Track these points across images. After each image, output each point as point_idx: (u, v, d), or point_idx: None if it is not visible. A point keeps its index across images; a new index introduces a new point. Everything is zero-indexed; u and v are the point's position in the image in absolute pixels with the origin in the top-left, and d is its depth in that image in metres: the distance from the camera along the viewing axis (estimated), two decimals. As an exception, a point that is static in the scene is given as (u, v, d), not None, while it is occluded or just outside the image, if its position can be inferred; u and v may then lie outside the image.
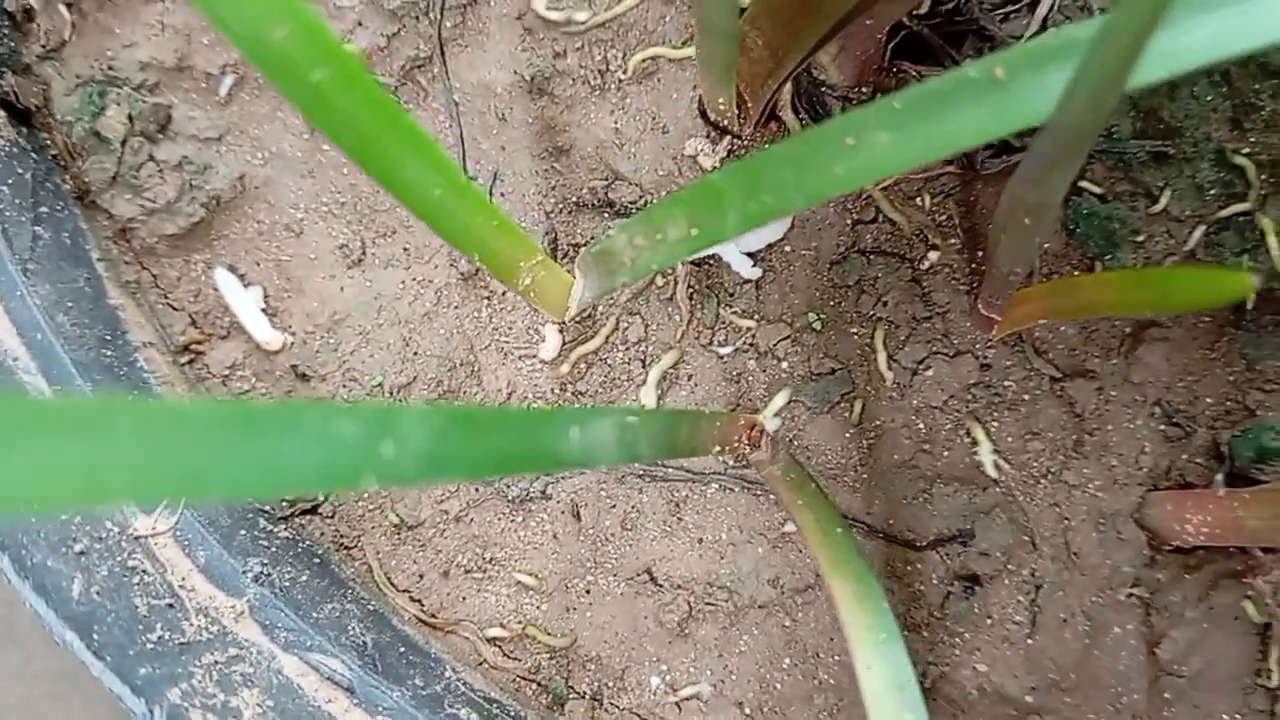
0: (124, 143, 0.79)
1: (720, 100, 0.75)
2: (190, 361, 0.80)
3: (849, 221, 0.78)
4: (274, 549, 0.70)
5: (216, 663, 0.63)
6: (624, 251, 0.59)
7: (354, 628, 0.68)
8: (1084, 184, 0.74)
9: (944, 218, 0.76)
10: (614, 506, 0.77)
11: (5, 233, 0.70)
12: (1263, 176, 0.74)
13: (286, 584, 0.67)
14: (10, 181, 0.73)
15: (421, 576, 0.78)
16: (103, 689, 0.63)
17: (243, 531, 0.69)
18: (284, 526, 0.73)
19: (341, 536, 0.78)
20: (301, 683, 0.64)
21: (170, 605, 0.64)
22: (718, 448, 0.72)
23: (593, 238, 0.79)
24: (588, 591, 0.77)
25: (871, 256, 0.77)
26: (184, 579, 0.65)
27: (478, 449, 0.37)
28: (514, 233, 0.64)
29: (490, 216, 0.60)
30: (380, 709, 0.64)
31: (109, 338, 0.72)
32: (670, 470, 0.77)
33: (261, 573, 0.67)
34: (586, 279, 0.69)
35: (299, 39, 0.45)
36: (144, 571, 0.65)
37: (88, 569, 0.63)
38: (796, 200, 0.49)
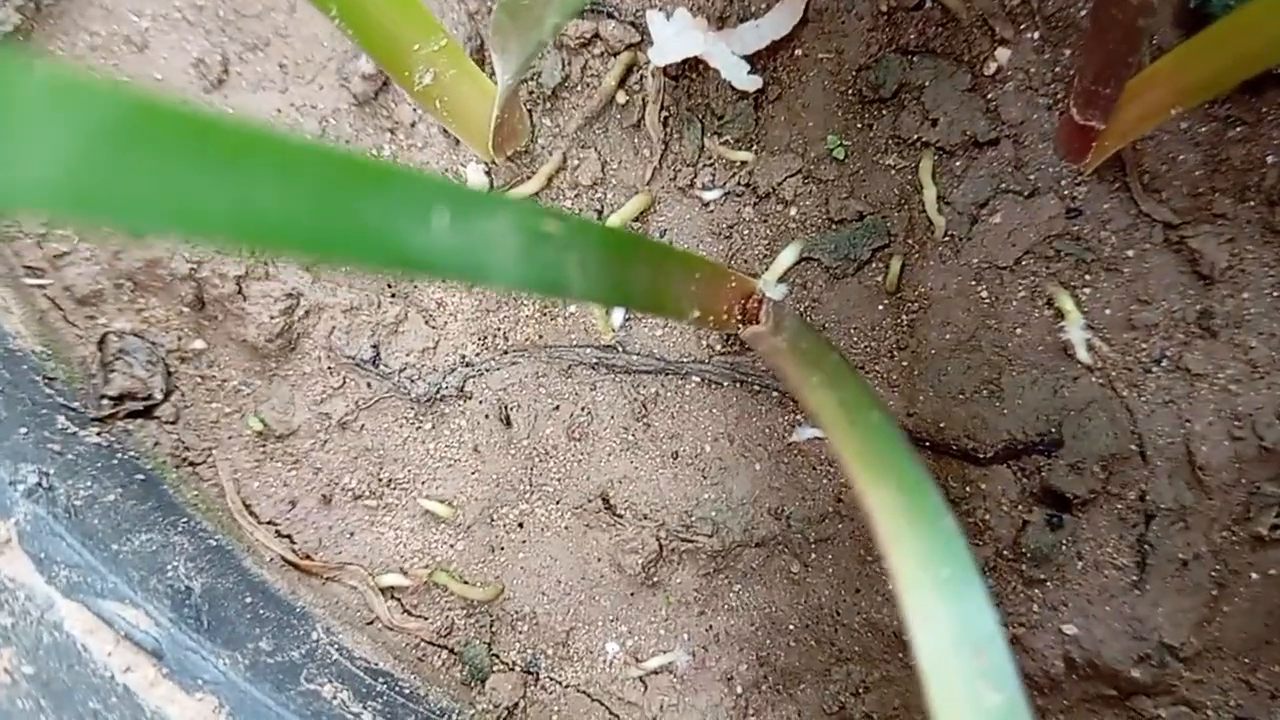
0: None
1: None
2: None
3: (884, 9, 0.57)
4: (70, 457, 0.50)
5: None
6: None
7: (175, 568, 0.48)
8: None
9: (1017, 2, 0.55)
10: (557, 408, 0.56)
11: None
12: None
13: (79, 504, 0.47)
14: None
15: (293, 504, 0.58)
16: None
17: (23, 430, 0.48)
18: (95, 430, 0.53)
19: (185, 448, 0.58)
20: (88, 641, 0.43)
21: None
22: (697, 313, 0.51)
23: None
24: (520, 525, 0.57)
25: (915, 58, 0.61)
26: None
27: (235, 193, 0.24)
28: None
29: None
30: (200, 682, 0.44)
31: None
32: (634, 358, 0.56)
33: (40, 486, 0.46)
34: (505, 47, 0.48)
35: None
36: None
37: None
38: None
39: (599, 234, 0.48)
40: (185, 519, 0.55)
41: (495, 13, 0.50)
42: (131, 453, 0.58)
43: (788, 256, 0.60)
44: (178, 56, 0.67)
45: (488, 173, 0.64)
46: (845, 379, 0.50)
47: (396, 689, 0.54)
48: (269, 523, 0.61)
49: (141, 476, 0.56)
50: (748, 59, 0.63)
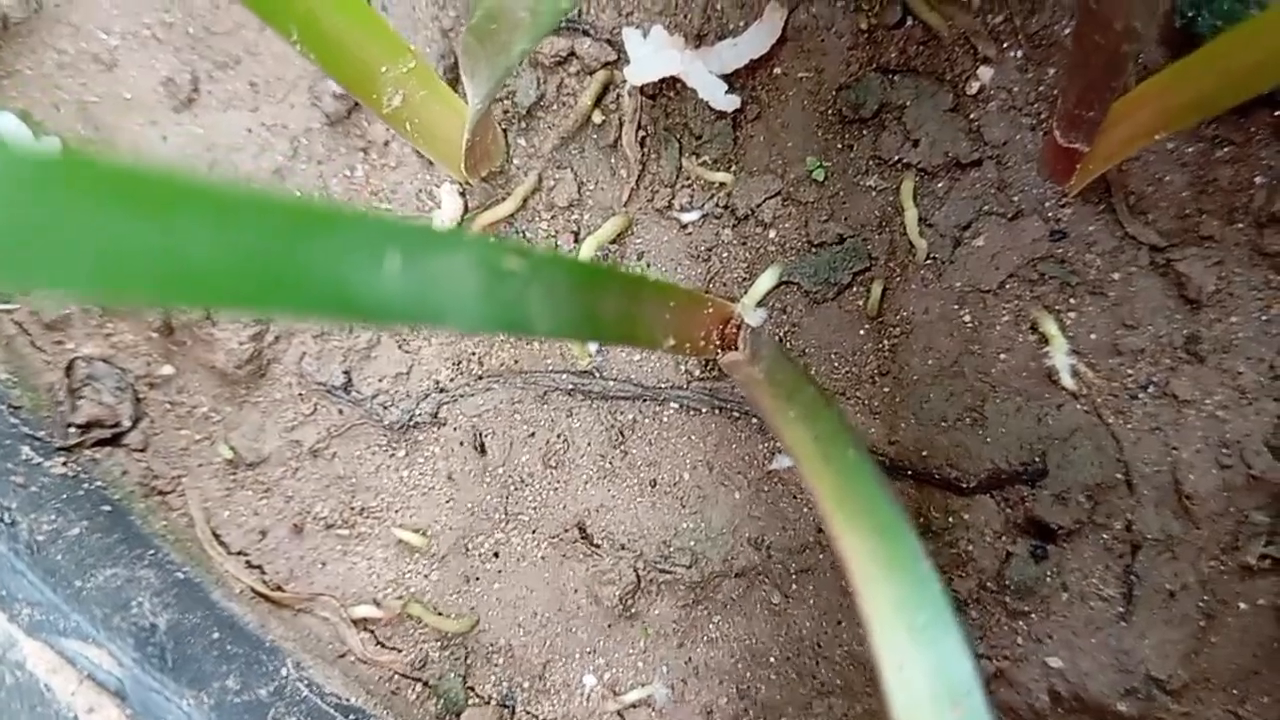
0: None
1: None
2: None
3: (864, 27, 0.56)
4: (33, 489, 0.49)
5: None
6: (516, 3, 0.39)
7: (141, 604, 0.47)
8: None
9: (1000, 19, 0.54)
10: (532, 435, 0.56)
11: None
12: None
13: (41, 539, 0.47)
14: None
15: (264, 533, 0.57)
16: None
17: None
18: (61, 459, 0.52)
19: (153, 476, 0.57)
20: (51, 681, 0.42)
21: None
22: (672, 341, 0.50)
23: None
24: (495, 554, 0.56)
25: (896, 77, 0.61)
26: None
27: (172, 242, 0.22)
28: (370, 20, 0.44)
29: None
30: None
31: None
32: (611, 384, 0.55)
33: (2, 521, 0.45)
34: (474, 71, 0.47)
35: None
36: None
37: None
38: None
39: (566, 267, 0.47)
40: (153, 551, 0.54)
41: (464, 36, 0.49)
42: (99, 482, 0.57)
43: (766, 280, 0.59)
44: (147, 75, 0.66)
45: (462, 194, 0.63)
46: (821, 413, 0.49)
47: (367, 726, 0.53)
48: (239, 553, 0.60)
49: (108, 507, 0.55)
50: (726, 78, 0.62)
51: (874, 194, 0.60)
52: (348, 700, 0.54)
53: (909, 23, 0.61)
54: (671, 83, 0.62)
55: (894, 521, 0.43)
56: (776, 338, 0.58)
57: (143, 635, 0.49)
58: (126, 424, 0.60)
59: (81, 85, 0.67)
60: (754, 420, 0.59)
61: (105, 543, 0.52)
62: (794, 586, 0.58)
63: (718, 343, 0.58)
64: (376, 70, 0.52)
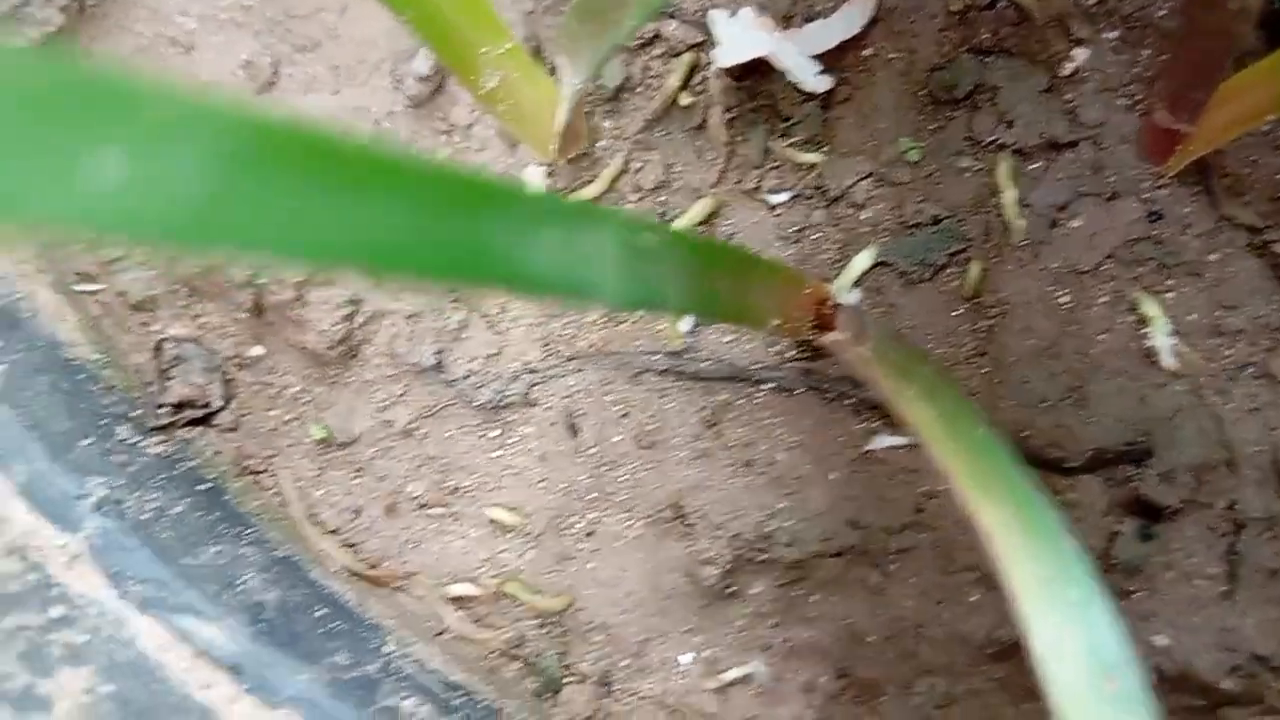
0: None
1: None
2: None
3: (956, 8, 0.56)
4: (135, 469, 0.49)
5: (24, 627, 0.41)
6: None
7: (247, 581, 0.48)
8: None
9: (1093, 1, 0.53)
10: (625, 415, 0.56)
11: None
12: None
13: (148, 517, 0.47)
14: None
15: (357, 512, 0.57)
16: None
17: (87, 440, 0.48)
18: (157, 439, 0.52)
19: (246, 456, 0.57)
20: (163, 659, 0.43)
21: (-42, 541, 0.43)
22: (777, 321, 0.49)
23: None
24: (590, 534, 0.56)
25: (990, 58, 0.61)
26: None
27: (348, 212, 0.23)
28: (475, 1, 0.45)
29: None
30: (281, 698, 0.43)
31: None
32: (704, 365, 0.54)
33: (109, 499, 0.46)
34: (575, 51, 0.47)
35: None
36: (-80, 490, 0.43)
37: None
38: None
39: (691, 244, 0.47)
40: (251, 529, 0.55)
41: (567, 16, 0.49)
42: (194, 462, 0.57)
43: (862, 261, 0.59)
44: (226, 59, 0.66)
45: (548, 175, 0.63)
46: (942, 391, 0.49)
47: (474, 702, 0.53)
48: (333, 532, 0.60)
49: (205, 486, 0.55)
50: (816, 59, 0.62)
51: (968, 175, 0.61)
52: (451, 678, 0.54)
53: (1001, 3, 0.61)
54: (759, 64, 0.62)
55: (1033, 498, 0.43)
56: (881, 320, 0.58)
57: (253, 611, 0.49)
58: (217, 404, 0.60)
59: (160, 69, 0.67)
60: (849, 401, 0.59)
61: (206, 521, 0.53)
62: (893, 566, 0.58)
63: (813, 323, 0.58)
64: (477, 51, 0.53)
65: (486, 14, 0.53)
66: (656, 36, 0.64)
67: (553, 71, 0.60)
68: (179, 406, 0.60)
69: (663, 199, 0.64)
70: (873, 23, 0.62)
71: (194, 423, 0.61)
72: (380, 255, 0.26)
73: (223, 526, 0.55)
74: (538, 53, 0.65)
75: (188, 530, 0.54)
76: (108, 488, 0.52)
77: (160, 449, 0.58)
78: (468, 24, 0.52)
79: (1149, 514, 0.57)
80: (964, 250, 0.61)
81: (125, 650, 0.47)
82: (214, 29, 0.67)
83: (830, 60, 0.62)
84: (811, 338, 0.60)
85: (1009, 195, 0.60)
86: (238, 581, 0.53)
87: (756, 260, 0.53)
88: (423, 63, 0.64)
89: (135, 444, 0.57)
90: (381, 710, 0.50)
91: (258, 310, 0.62)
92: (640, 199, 0.64)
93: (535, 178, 0.65)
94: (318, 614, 0.54)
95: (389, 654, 0.55)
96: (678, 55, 0.64)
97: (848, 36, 0.61)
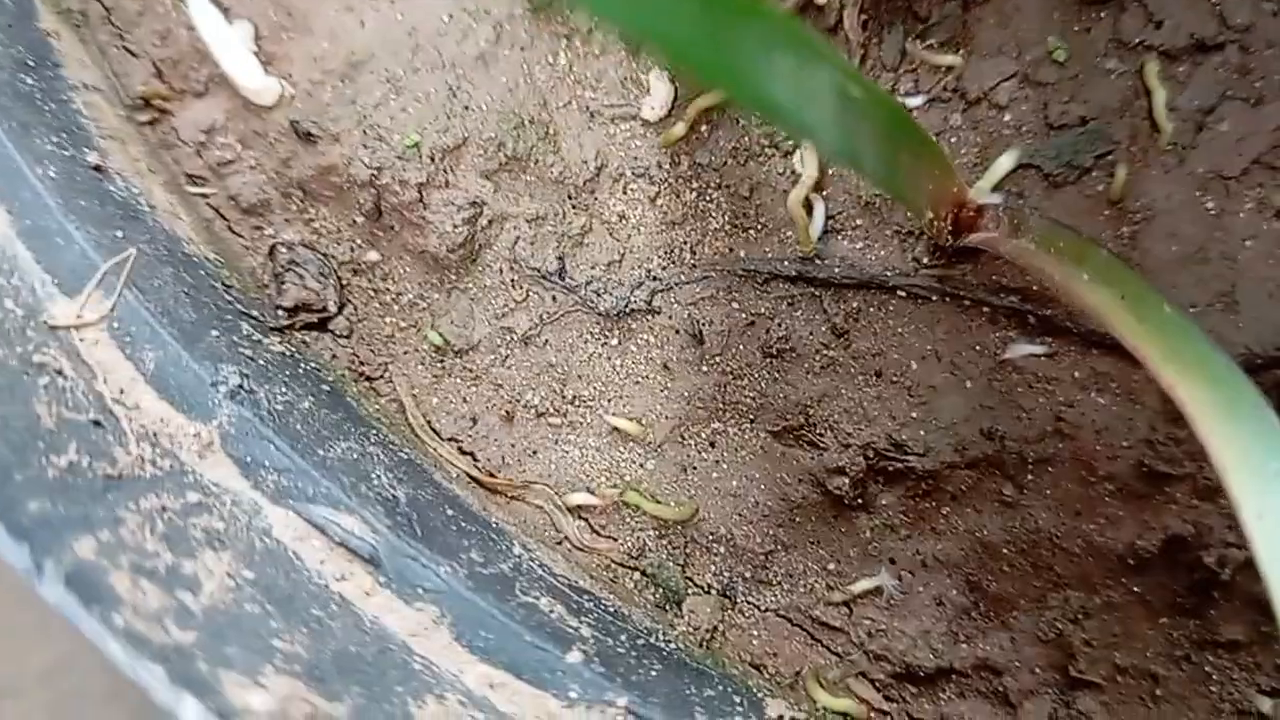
0: None
1: None
2: (152, 121, 0.57)
3: None
4: (261, 363, 0.48)
5: (164, 509, 0.41)
6: None
7: (379, 476, 0.46)
8: None
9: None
10: (751, 324, 0.54)
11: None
12: None
13: (280, 408, 0.45)
14: None
15: (474, 420, 0.56)
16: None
17: (214, 333, 0.46)
18: (278, 339, 0.50)
19: (360, 363, 0.56)
20: (299, 549, 0.41)
21: (96, 423, 0.42)
22: (931, 212, 0.47)
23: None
24: (712, 444, 0.55)
25: None
26: (122, 391, 0.44)
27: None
28: None
29: None
30: (420, 592, 0.42)
31: (31, 64, 0.50)
32: (836, 270, 0.52)
33: (242, 388, 0.44)
34: None
35: None
36: (58, 373, 0.42)
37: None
38: None
39: (889, 106, 0.45)
40: (374, 431, 0.53)
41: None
42: (313, 363, 0.55)
43: (1005, 162, 0.58)
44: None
45: (672, 80, 0.61)
46: (1121, 273, 0.47)
47: (602, 607, 0.51)
48: (450, 439, 0.59)
49: (326, 388, 0.54)
50: (957, -47, 0.59)
51: (1114, 77, 0.59)
52: (577, 583, 0.53)
53: (1153, -101, 0.58)
54: (897, -38, 0.59)
55: (1230, 372, 0.41)
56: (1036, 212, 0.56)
57: (389, 504, 0.48)
58: (332, 309, 0.59)
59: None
60: (985, 308, 0.58)
61: (333, 419, 0.52)
62: (1029, 478, 0.57)
63: (952, 224, 0.56)
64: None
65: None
66: (786, -66, 0.61)
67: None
68: (294, 310, 0.59)
69: (790, 103, 0.61)
70: (1014, -81, 0.59)
71: (309, 326, 0.60)
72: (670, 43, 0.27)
73: (348, 425, 0.55)
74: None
75: (319, 425, 0.53)
76: (239, 376, 0.51)
77: (282, 348, 0.57)
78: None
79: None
80: (1110, 153, 0.59)
81: (262, 539, 0.46)
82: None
83: (967, -43, 0.60)
84: (948, 241, 0.58)
85: (1159, 97, 0.59)
86: (371, 476, 0.51)
87: (933, 143, 0.51)
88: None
89: (258, 340, 0.56)
90: (521, 605, 0.49)
91: (376, 213, 0.61)
92: (766, 103, 0.62)
93: (659, 82, 0.63)
94: (448, 513, 0.54)
95: (518, 556, 0.54)
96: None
97: (992, -68, 0.59)
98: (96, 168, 0.58)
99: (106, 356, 0.50)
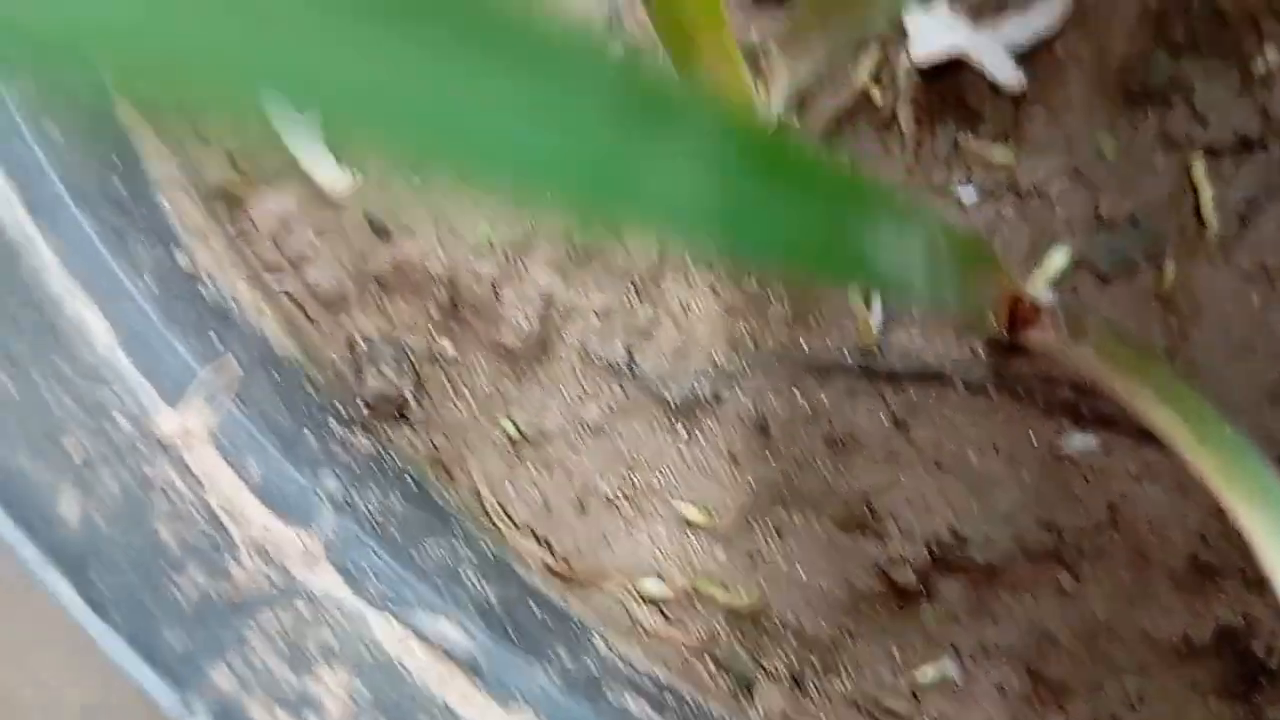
0: None
1: None
2: (230, 213, 0.59)
3: (1150, 6, 0.55)
4: (353, 462, 0.49)
5: (282, 626, 0.42)
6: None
7: (468, 575, 0.48)
8: None
9: (1289, -2, 0.55)
10: (814, 414, 0.56)
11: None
12: None
13: (374, 508, 0.47)
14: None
15: (549, 509, 0.58)
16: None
17: (308, 432, 0.48)
18: (364, 435, 0.52)
19: (439, 452, 0.57)
20: (404, 658, 0.43)
21: (210, 538, 0.43)
22: (992, 316, 0.50)
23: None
24: (779, 533, 0.57)
25: (1183, 55, 0.53)
26: (229, 501, 0.45)
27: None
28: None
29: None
30: (516, 696, 0.44)
31: (118, 162, 0.52)
32: (896, 362, 0.55)
33: (339, 494, 0.46)
34: (804, 50, 0.48)
35: None
36: (170, 488, 0.44)
37: (85, 481, 0.43)
38: None
39: (960, 241, 0.47)
40: (456, 522, 0.55)
41: (800, 8, 0.49)
42: (396, 458, 0.57)
43: (1059, 259, 0.60)
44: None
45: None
46: (1180, 392, 0.49)
47: (682, 701, 0.54)
48: (526, 527, 0.61)
49: (411, 481, 0.56)
50: (1011, 54, 0.61)
51: (1161, 172, 0.60)
52: (657, 676, 0.55)
53: (1195, 2, 0.61)
54: (949, 67, 0.61)
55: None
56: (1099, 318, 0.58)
57: (481, 604, 0.50)
58: (410, 400, 0.60)
59: None
60: (1041, 401, 0.60)
61: (420, 516, 0.54)
62: (1085, 568, 0.59)
63: (1008, 323, 0.58)
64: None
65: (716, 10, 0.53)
66: (841, 32, 0.64)
67: (756, 70, 0.60)
68: (376, 402, 0.61)
69: (849, 196, 0.64)
70: (1066, 18, 0.61)
71: (390, 419, 0.62)
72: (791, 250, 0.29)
73: (435, 522, 0.57)
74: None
75: (410, 525, 0.55)
76: (337, 481, 0.53)
77: (368, 443, 0.59)
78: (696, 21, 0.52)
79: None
80: (1157, 248, 0.61)
81: (370, 650, 0.48)
82: None
83: (1020, 56, 0.62)
84: (1005, 338, 0.60)
85: (1206, 194, 0.61)
86: (461, 576, 0.53)
87: (994, 255, 0.53)
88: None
89: (348, 441, 0.57)
90: (613, 708, 0.51)
91: (451, 306, 0.63)
92: (826, 196, 0.64)
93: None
94: (532, 610, 0.55)
95: (600, 652, 0.56)
96: (866, 49, 0.64)
97: (1047, 32, 0.61)
98: (186, 268, 0.59)
99: (212, 467, 0.51)
